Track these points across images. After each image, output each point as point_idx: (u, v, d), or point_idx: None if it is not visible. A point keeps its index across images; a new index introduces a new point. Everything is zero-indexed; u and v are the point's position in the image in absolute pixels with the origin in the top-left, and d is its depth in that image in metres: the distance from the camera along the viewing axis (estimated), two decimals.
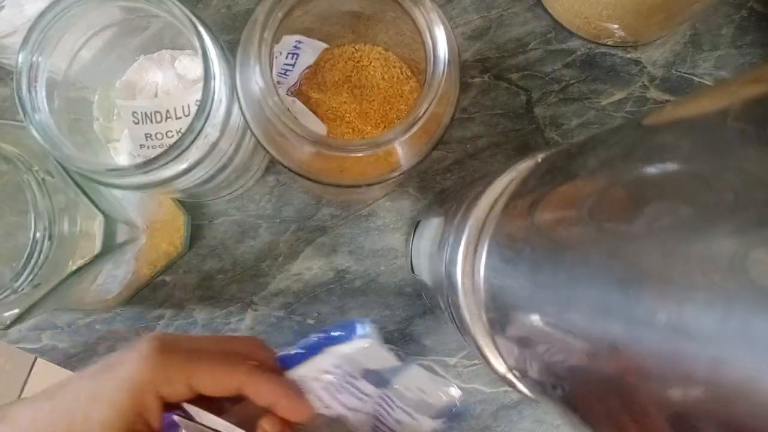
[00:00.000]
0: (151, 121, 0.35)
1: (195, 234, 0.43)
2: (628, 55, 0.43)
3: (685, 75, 0.44)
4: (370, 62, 0.37)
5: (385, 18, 0.33)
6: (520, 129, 0.43)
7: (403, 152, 0.30)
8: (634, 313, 0.12)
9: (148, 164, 0.28)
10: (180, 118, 0.35)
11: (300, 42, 0.35)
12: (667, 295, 0.11)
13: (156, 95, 0.36)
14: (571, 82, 0.43)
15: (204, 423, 0.24)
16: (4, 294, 0.28)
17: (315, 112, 0.36)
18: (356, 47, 0.37)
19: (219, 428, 0.24)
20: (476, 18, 0.43)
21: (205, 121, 0.28)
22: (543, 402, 0.22)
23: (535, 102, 0.43)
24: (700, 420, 0.11)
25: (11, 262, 0.31)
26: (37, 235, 0.28)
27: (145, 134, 0.35)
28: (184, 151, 0.28)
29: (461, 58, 0.36)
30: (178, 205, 0.41)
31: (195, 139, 0.28)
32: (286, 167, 0.30)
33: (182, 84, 0.36)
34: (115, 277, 0.37)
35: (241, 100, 0.29)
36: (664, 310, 0.11)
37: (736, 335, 0.09)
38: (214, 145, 0.30)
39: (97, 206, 0.31)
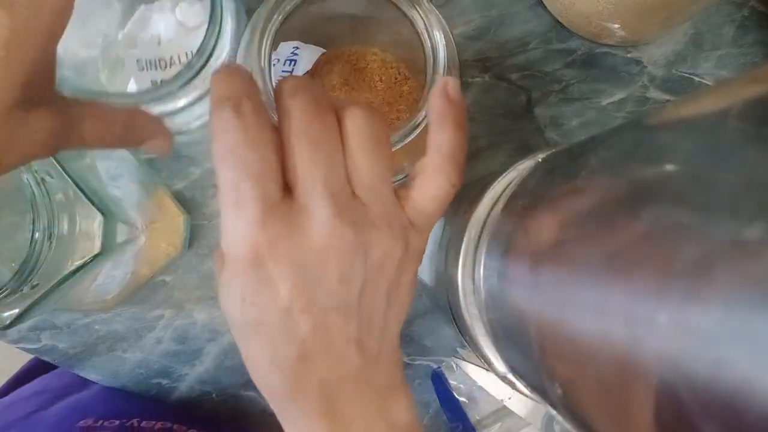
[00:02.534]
0: (156, 68, 0.36)
1: (195, 234, 0.43)
2: (629, 55, 0.43)
3: (686, 75, 0.43)
4: (368, 64, 0.37)
5: (382, 20, 0.33)
6: (520, 129, 0.43)
7: (405, 155, 0.30)
8: (634, 313, 0.12)
9: (159, 89, 0.29)
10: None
11: (297, 48, 0.36)
12: (667, 295, 0.11)
13: (159, 43, 0.37)
14: (572, 81, 0.43)
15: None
16: (4, 294, 0.28)
17: None
18: (353, 50, 0.37)
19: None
20: (476, 17, 0.43)
21: (216, 40, 0.29)
22: (543, 402, 0.22)
23: (535, 102, 0.43)
24: (701, 420, 0.11)
25: (10, 262, 0.31)
26: (36, 234, 0.28)
27: (152, 81, 0.36)
28: (194, 76, 0.29)
29: (461, 58, 0.36)
30: (178, 205, 0.41)
31: (206, 62, 0.29)
32: None
33: (183, 31, 0.36)
34: (114, 277, 0.37)
35: None
36: (664, 311, 0.11)
37: (736, 335, 0.09)
38: None
39: (96, 206, 0.31)
